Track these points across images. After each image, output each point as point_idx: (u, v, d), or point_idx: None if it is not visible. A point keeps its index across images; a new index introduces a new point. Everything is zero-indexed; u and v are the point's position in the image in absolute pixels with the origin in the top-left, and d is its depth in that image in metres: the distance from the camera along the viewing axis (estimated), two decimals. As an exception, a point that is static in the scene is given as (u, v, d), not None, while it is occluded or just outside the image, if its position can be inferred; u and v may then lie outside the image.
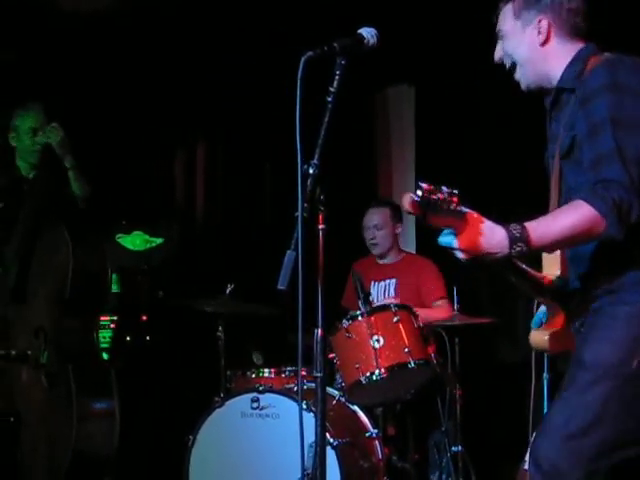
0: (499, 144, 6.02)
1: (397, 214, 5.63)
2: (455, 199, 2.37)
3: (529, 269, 2.80)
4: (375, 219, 5.56)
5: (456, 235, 2.47)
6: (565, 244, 2.65)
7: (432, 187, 2.34)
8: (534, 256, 2.80)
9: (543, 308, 2.97)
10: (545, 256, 2.88)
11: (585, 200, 2.49)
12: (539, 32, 2.80)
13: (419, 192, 2.32)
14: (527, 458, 4.46)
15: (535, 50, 2.83)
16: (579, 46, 2.80)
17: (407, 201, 2.36)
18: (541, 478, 2.62)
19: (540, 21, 2.80)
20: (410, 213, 2.38)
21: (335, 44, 2.78)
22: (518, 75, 2.90)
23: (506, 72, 2.97)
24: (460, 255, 2.51)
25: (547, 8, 2.79)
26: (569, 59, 2.79)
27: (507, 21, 2.87)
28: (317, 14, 5.72)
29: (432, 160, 6.50)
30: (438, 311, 5.28)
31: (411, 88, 6.92)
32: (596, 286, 2.69)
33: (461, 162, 6.13)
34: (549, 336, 2.85)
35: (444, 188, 2.35)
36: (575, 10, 2.79)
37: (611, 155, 2.52)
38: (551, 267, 2.87)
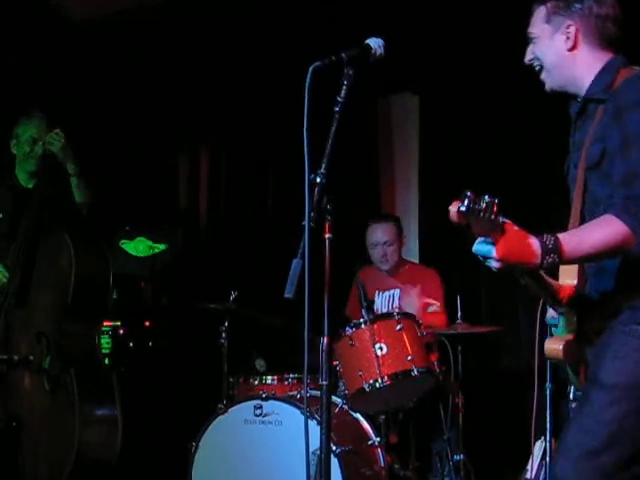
0: (503, 153, 6.02)
1: (400, 227, 5.67)
2: (495, 208, 2.39)
3: (547, 277, 2.81)
4: (385, 236, 5.56)
5: (493, 244, 2.48)
6: (595, 258, 2.66)
7: (476, 196, 2.35)
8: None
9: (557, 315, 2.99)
10: (562, 266, 2.89)
11: (617, 216, 2.52)
12: (567, 37, 2.82)
13: (466, 201, 2.32)
14: (529, 467, 4.51)
15: (563, 56, 2.85)
16: (608, 56, 2.81)
17: (454, 210, 2.36)
18: None
19: (569, 27, 2.81)
20: (455, 223, 2.39)
21: (343, 54, 2.79)
22: (544, 77, 2.93)
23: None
24: (494, 264, 2.52)
25: (576, 14, 2.80)
26: (598, 68, 2.80)
27: (537, 24, 2.89)
28: (323, 22, 5.73)
29: (436, 168, 6.50)
30: (431, 316, 5.28)
31: (415, 96, 6.91)
32: (615, 302, 2.70)
33: (465, 170, 6.14)
34: (563, 346, 2.86)
35: (486, 197, 2.36)
36: (604, 16, 2.80)
37: None
38: (568, 276, 2.87)
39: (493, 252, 2.48)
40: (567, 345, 2.86)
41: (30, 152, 5.05)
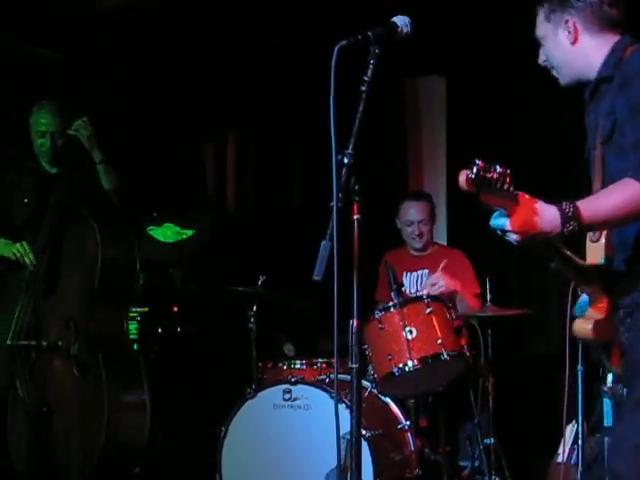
0: (531, 134, 5.97)
1: (433, 204, 5.65)
2: (508, 179, 2.37)
3: (574, 256, 2.79)
4: (421, 214, 5.52)
5: (508, 216, 2.46)
6: (616, 222, 2.63)
7: (486, 164, 2.33)
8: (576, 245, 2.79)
9: (585, 297, 2.95)
10: (589, 245, 2.87)
11: (634, 178, 2.50)
12: (568, 32, 2.85)
13: (474, 169, 2.31)
14: (560, 451, 4.48)
15: (568, 50, 2.87)
16: (615, 38, 2.82)
17: (462, 178, 2.36)
18: None
19: (567, 21, 2.84)
20: (465, 190, 2.37)
21: (369, 33, 2.78)
22: (555, 74, 2.96)
23: (537, 64, 3.00)
24: (513, 237, 2.50)
25: (572, 8, 2.83)
26: (606, 51, 2.80)
27: (541, 25, 2.94)
28: (349, 4, 5.69)
29: (463, 151, 6.45)
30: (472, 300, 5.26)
31: (442, 79, 6.87)
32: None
33: (493, 153, 6.06)
34: (593, 325, 2.82)
35: (497, 167, 2.34)
36: (599, 2, 2.82)
37: None
38: (595, 257, 2.84)
39: (508, 224, 2.46)
40: (597, 324, 2.83)
41: (41, 146, 5.06)
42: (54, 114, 5.05)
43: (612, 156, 2.73)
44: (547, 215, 2.48)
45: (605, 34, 2.82)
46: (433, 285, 5.09)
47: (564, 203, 2.49)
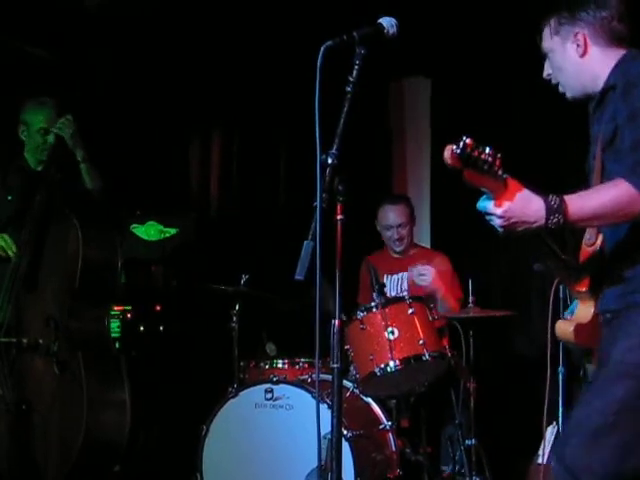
0: (516, 137, 5.98)
1: (412, 206, 5.65)
2: (498, 162, 2.36)
3: (565, 256, 2.80)
4: (399, 218, 5.54)
5: (494, 199, 2.46)
6: (602, 220, 2.63)
7: (475, 144, 2.33)
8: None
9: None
10: (584, 249, 2.89)
11: (624, 178, 2.51)
12: (577, 45, 2.86)
13: (461, 145, 2.30)
14: (541, 452, 4.49)
15: (577, 63, 2.88)
16: (621, 52, 2.84)
17: (447, 153, 2.35)
18: (564, 475, 2.60)
19: (576, 34, 2.86)
20: (449, 165, 2.37)
21: (355, 33, 2.79)
22: (563, 89, 2.96)
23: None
24: (496, 221, 2.51)
25: (582, 22, 2.85)
26: (613, 63, 2.82)
27: (548, 39, 2.94)
28: (334, 4, 5.69)
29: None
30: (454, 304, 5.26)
31: (427, 80, 6.88)
32: (631, 279, 2.67)
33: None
34: (574, 327, 2.84)
35: (487, 148, 2.34)
36: (609, 17, 2.84)
37: None
38: (589, 262, 2.86)
39: (492, 207, 2.48)
40: (580, 327, 2.84)
41: (43, 144, 5.02)
42: (56, 111, 5.01)
43: (611, 161, 2.73)
44: (533, 204, 2.50)
45: (613, 48, 2.84)
46: (421, 275, 5.11)
47: (551, 195, 2.50)
